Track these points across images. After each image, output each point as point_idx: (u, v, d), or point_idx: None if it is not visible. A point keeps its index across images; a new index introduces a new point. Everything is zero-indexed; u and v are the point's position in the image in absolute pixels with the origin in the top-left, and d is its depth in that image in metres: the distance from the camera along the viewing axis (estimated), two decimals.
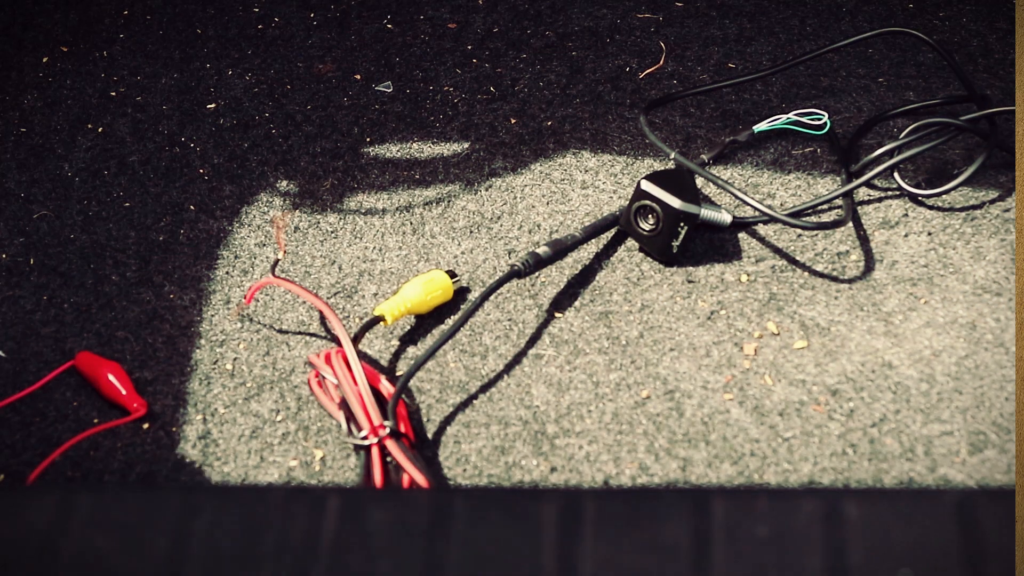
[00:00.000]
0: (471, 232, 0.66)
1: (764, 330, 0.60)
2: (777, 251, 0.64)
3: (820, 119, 0.71)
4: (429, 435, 0.56)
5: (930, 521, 0.35)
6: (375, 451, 0.52)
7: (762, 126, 0.71)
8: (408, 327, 0.61)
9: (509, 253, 0.65)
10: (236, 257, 0.66)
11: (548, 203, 0.68)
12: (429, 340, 0.61)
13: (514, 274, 0.61)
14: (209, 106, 0.76)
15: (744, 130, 0.71)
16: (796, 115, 0.72)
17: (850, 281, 0.63)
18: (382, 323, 0.59)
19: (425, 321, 0.62)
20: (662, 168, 0.70)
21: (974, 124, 0.67)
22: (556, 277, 0.64)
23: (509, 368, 0.59)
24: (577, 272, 0.64)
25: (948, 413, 0.55)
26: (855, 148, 0.71)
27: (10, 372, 0.60)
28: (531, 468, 0.54)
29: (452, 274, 0.62)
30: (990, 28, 0.80)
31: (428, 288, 0.61)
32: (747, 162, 0.70)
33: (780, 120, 0.72)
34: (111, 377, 0.57)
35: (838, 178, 0.69)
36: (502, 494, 0.39)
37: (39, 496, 0.39)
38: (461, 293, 0.63)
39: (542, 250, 0.62)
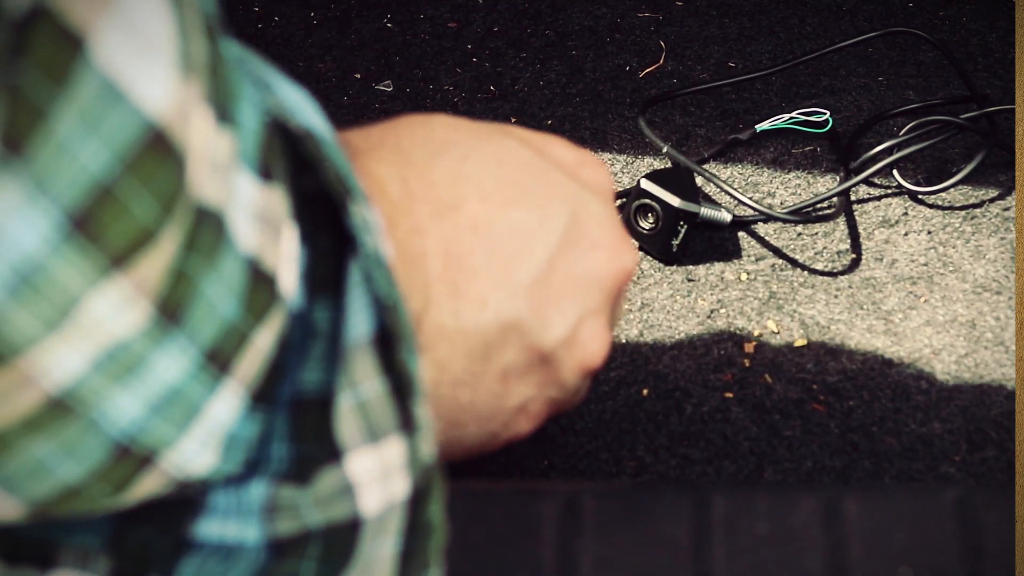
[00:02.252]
0: None
1: (764, 328, 0.60)
2: (777, 250, 0.64)
3: (822, 117, 0.72)
4: None
5: (930, 519, 0.35)
6: None
7: (764, 125, 0.71)
8: None
9: None
10: None
11: None
12: None
13: None
14: None
15: (746, 129, 0.71)
16: (799, 114, 0.72)
17: (850, 280, 0.63)
18: None
19: None
20: (662, 167, 0.70)
21: (974, 123, 0.67)
22: None
23: None
24: None
25: (948, 411, 0.56)
26: (855, 147, 0.71)
27: None
28: (531, 467, 0.54)
29: None
30: (990, 27, 0.80)
31: None
32: (747, 160, 0.70)
33: (783, 119, 0.72)
34: None
35: (838, 176, 0.69)
36: (502, 492, 0.39)
37: None
38: None
39: None
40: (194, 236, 0.22)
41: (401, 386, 0.27)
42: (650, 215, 0.62)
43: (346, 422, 0.26)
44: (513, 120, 0.74)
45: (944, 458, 0.54)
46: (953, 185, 0.66)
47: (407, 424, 0.28)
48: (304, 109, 0.27)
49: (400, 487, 0.28)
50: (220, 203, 0.23)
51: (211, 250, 0.23)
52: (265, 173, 0.25)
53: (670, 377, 0.58)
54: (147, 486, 0.24)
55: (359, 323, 0.26)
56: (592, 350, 0.37)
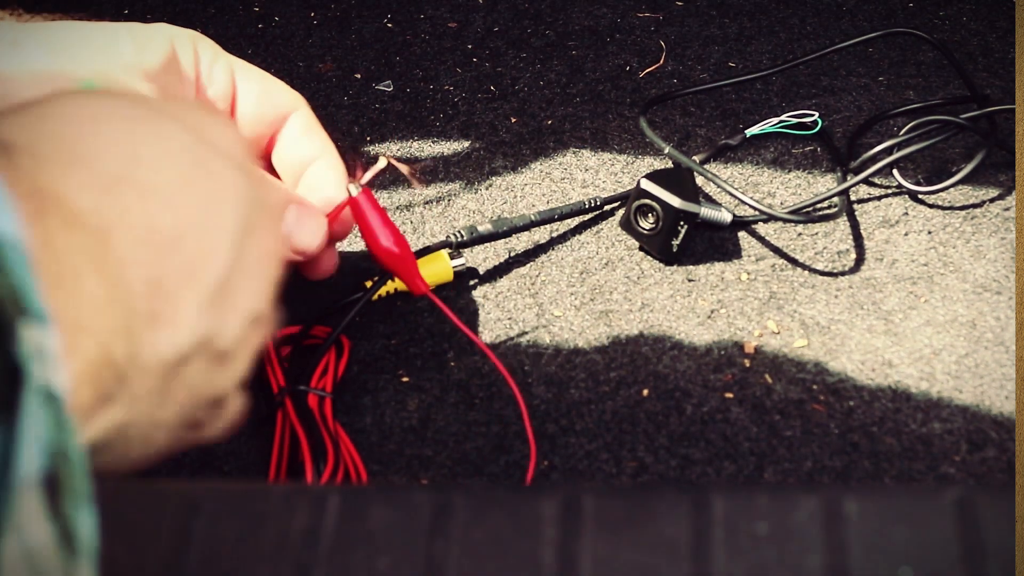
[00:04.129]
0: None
1: (764, 329, 0.60)
2: (777, 250, 0.64)
3: (811, 118, 0.72)
4: (429, 434, 0.56)
5: (930, 519, 0.35)
6: None
7: (753, 130, 0.71)
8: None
9: (508, 252, 0.65)
10: None
11: (548, 202, 0.68)
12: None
13: (445, 244, 0.61)
14: None
15: (736, 134, 0.71)
16: (788, 116, 0.72)
17: (850, 280, 0.63)
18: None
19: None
20: (663, 167, 0.70)
21: (974, 123, 0.67)
22: (556, 275, 0.64)
23: (509, 367, 0.59)
24: (577, 271, 0.64)
25: (948, 411, 0.55)
26: (855, 147, 0.71)
27: None
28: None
29: (454, 255, 0.62)
30: (990, 27, 0.80)
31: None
32: (747, 161, 0.70)
33: (771, 123, 0.72)
34: None
35: (838, 176, 0.69)
36: (502, 492, 0.39)
37: None
38: (463, 276, 0.63)
39: (484, 227, 0.62)
40: None
41: (70, 537, 0.25)
42: (650, 215, 0.62)
43: (11, 570, 0.23)
44: (513, 120, 0.74)
45: (944, 458, 0.53)
46: (953, 185, 0.66)
47: None
48: None
49: None
50: None
51: None
52: None
53: (670, 377, 0.58)
54: None
55: (30, 458, 0.23)
56: (266, 335, 0.37)
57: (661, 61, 0.78)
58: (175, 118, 0.35)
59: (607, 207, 0.67)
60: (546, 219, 0.64)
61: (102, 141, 0.31)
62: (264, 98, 0.54)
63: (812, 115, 0.72)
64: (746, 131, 0.71)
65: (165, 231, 0.31)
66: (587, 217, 0.67)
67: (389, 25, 0.83)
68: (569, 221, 0.66)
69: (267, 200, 0.36)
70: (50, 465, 0.24)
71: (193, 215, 0.32)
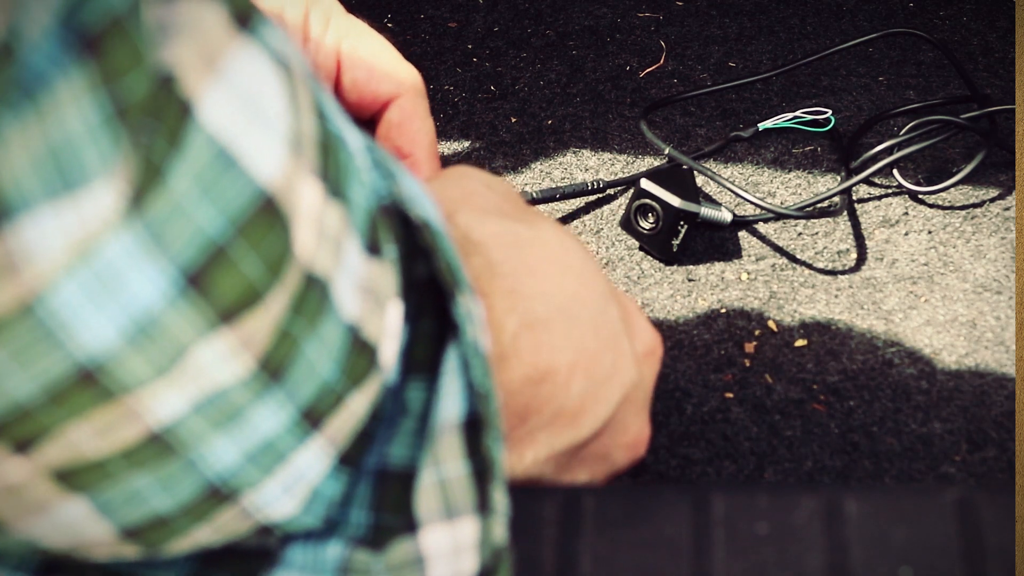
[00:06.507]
0: None
1: (764, 328, 0.60)
2: (777, 249, 0.64)
3: (824, 115, 0.72)
4: None
5: (930, 519, 0.35)
6: None
7: (767, 124, 0.71)
8: None
9: None
10: None
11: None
12: None
13: None
14: None
15: (748, 127, 0.71)
16: (803, 112, 0.72)
17: (850, 279, 0.63)
18: None
19: None
20: (663, 167, 0.70)
21: (974, 123, 0.67)
22: None
23: None
24: None
25: (948, 411, 0.55)
26: (855, 146, 0.71)
27: None
28: None
29: None
30: (990, 27, 0.80)
31: None
32: (747, 160, 0.70)
33: (785, 118, 0.72)
34: None
35: (838, 176, 0.69)
36: None
37: None
38: None
39: None
40: (301, 300, 0.24)
41: (483, 470, 0.29)
42: (650, 215, 0.62)
43: (425, 497, 0.28)
44: (513, 120, 0.74)
45: (944, 458, 0.53)
46: (953, 185, 0.66)
47: (484, 506, 0.29)
48: (423, 201, 0.29)
49: (469, 565, 0.29)
50: (327, 271, 0.24)
51: (315, 315, 0.24)
52: (373, 248, 0.26)
53: (670, 377, 0.58)
54: (228, 522, 0.25)
55: (450, 406, 0.28)
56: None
57: (661, 61, 0.78)
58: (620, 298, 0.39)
59: (609, 190, 0.67)
60: (547, 198, 0.65)
61: (538, 289, 0.35)
62: (364, 85, 0.51)
63: (825, 112, 0.72)
64: (759, 124, 0.71)
65: (565, 385, 0.35)
66: (587, 217, 0.67)
67: (389, 25, 0.83)
68: (569, 221, 0.66)
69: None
70: (475, 407, 0.28)
71: (585, 379, 0.35)
